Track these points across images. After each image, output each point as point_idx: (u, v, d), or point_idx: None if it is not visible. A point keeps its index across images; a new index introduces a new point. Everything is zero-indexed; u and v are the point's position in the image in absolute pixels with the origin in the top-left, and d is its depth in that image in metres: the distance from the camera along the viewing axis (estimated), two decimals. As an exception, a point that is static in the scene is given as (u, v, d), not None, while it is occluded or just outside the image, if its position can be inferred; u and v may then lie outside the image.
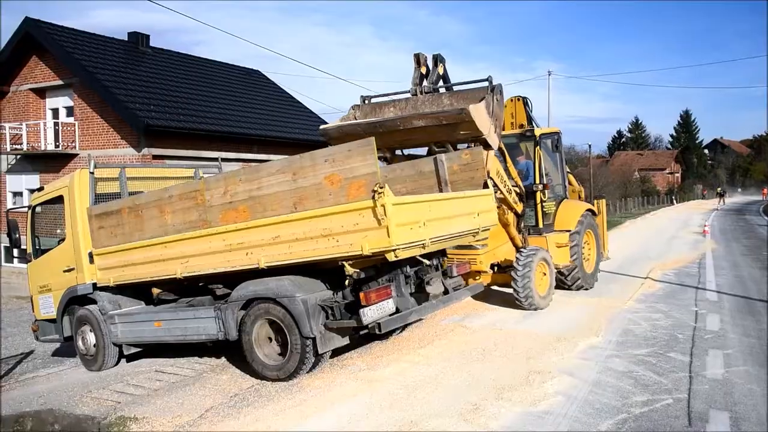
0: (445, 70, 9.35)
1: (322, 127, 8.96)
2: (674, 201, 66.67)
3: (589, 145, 54.06)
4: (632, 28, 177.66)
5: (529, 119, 12.00)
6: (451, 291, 7.66)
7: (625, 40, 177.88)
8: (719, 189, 66.12)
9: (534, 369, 6.78)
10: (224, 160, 13.51)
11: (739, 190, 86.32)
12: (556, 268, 10.79)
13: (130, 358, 8.64)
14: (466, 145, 8.68)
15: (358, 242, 5.90)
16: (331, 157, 6.05)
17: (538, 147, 11.13)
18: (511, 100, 12.31)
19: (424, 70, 9.26)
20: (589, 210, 12.14)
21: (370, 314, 6.17)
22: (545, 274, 10.11)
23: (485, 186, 8.07)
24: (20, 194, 23.83)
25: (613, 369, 6.87)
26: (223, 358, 8.14)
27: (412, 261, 6.88)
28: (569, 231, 11.21)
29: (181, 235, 7.18)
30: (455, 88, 9.33)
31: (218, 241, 6.88)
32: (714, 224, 30.75)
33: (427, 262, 6.98)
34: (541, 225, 11.09)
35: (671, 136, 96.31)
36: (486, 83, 8.73)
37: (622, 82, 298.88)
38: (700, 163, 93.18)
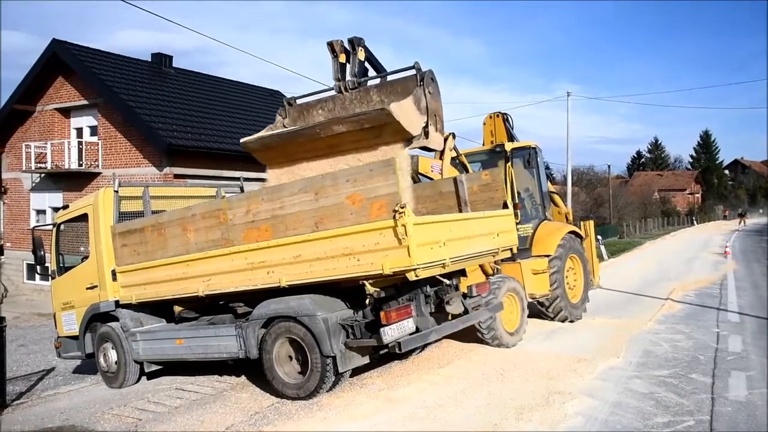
0: (368, 54, 7.76)
1: (242, 140, 7.88)
2: (694, 222, 66.02)
3: (609, 166, 53.92)
4: (651, 49, 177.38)
5: (510, 136, 11.55)
6: (471, 311, 7.66)
7: (643, 61, 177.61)
8: (740, 210, 65.38)
9: (554, 389, 6.74)
10: (245, 179, 13.69)
11: (761, 211, 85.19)
12: (533, 298, 10.00)
13: (151, 375, 8.71)
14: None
15: (379, 261, 5.95)
16: (353, 177, 6.12)
17: (509, 163, 10.46)
18: (490, 117, 11.96)
19: (343, 58, 7.75)
20: (573, 233, 11.12)
21: (390, 333, 6.20)
22: (515, 308, 9.12)
23: (505, 206, 8.10)
24: (44, 212, 24.25)
25: (634, 390, 6.81)
26: (243, 377, 8.18)
27: (432, 281, 6.90)
28: (548, 256, 10.26)
29: (204, 254, 7.27)
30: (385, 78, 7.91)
31: (240, 260, 6.96)
32: (735, 245, 30.39)
33: (447, 281, 7.00)
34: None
35: (691, 156, 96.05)
36: (413, 71, 7.33)
37: (641, 103, 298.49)
38: (720, 183, 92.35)
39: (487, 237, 7.43)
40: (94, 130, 22.85)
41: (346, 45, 7.68)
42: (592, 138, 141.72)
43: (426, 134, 7.15)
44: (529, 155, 10.99)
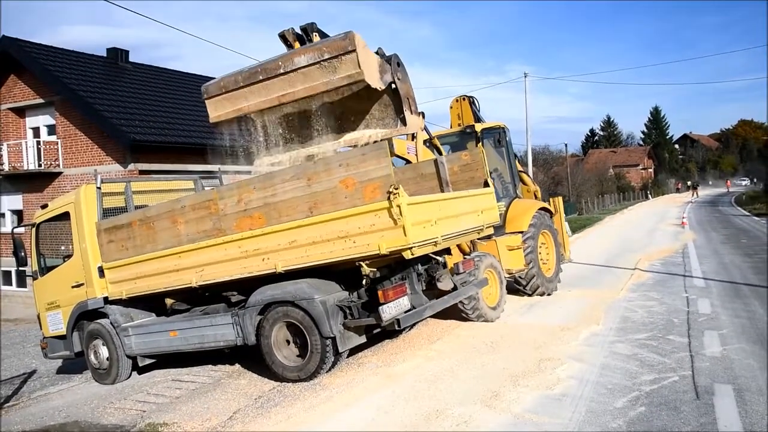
0: (324, 37, 7.22)
1: (203, 86, 7.66)
2: (649, 196, 68.01)
3: (566, 145, 55.22)
4: (601, 29, 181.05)
5: (477, 119, 11.83)
6: (460, 287, 7.92)
7: (593, 41, 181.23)
8: (690, 182, 67.60)
9: (544, 357, 7.07)
10: (209, 172, 13.65)
11: (710, 183, 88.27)
12: (510, 274, 10.29)
13: (143, 369, 8.73)
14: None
15: (375, 242, 6.13)
16: (346, 161, 6.28)
17: (481, 143, 10.67)
18: (457, 100, 12.25)
19: (297, 47, 7.30)
20: (543, 209, 11.50)
21: (388, 311, 6.40)
22: (494, 283, 9.39)
23: (486, 185, 8.37)
24: (2, 215, 23.62)
25: (618, 353, 7.19)
26: (237, 365, 8.29)
27: (423, 259, 7.13)
28: (521, 232, 10.56)
29: (196, 245, 7.34)
30: None
31: (234, 249, 7.05)
32: (690, 216, 31.55)
33: (440, 259, 7.24)
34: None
35: (642, 132, 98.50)
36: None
37: (594, 82, 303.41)
38: (671, 158, 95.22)
39: (473, 214, 7.69)
40: (52, 129, 22.30)
41: (299, 32, 7.50)
42: (546, 118, 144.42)
43: (404, 121, 7.14)
44: (499, 135, 11.33)
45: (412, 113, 7.24)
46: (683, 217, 28.78)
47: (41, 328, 9.50)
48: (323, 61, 6.47)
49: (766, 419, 5.03)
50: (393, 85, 6.85)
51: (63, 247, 9.28)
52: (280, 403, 6.19)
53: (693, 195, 59.25)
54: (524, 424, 5.24)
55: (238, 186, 7.07)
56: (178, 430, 5.94)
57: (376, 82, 6.53)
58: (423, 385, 6.36)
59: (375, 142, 6.95)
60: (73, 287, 8.71)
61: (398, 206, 5.95)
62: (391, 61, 6.90)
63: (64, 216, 8.85)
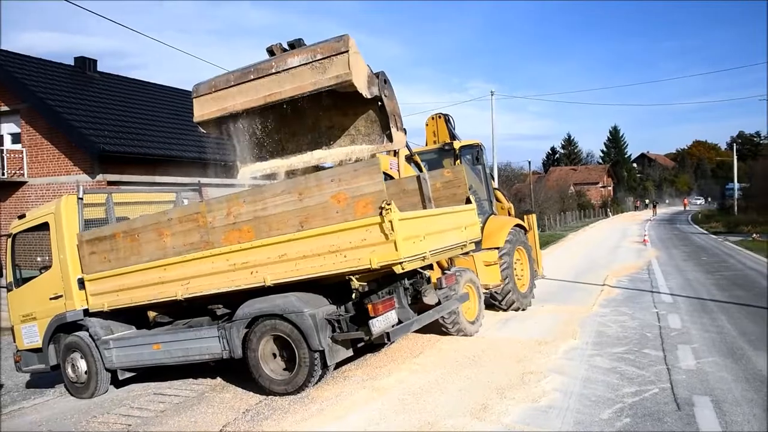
0: None
1: (194, 85, 7.59)
2: (609, 213, 69.53)
3: (529, 162, 56.14)
4: (562, 49, 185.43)
5: (452, 136, 12.06)
6: (443, 301, 8.06)
7: (555, 61, 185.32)
8: (648, 201, 69.49)
9: (526, 370, 7.24)
10: (184, 184, 13.57)
11: (667, 201, 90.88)
12: (487, 289, 10.43)
13: (120, 383, 8.59)
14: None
15: (366, 257, 6.23)
16: (337, 176, 6.38)
17: (459, 161, 10.94)
18: (432, 118, 12.50)
19: None
20: (518, 225, 11.73)
21: (378, 325, 6.50)
22: (473, 298, 9.52)
23: (468, 201, 8.55)
24: (-38, 225, 22.90)
25: (598, 366, 7.42)
26: (219, 378, 8.24)
27: (409, 274, 7.25)
28: (498, 248, 10.77)
29: (183, 257, 7.32)
30: None
31: (221, 262, 7.07)
32: (651, 234, 32.42)
33: (427, 273, 7.37)
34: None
35: (602, 151, 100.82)
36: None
37: (555, 101, 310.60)
38: (630, 176, 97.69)
39: (457, 230, 7.87)
40: (17, 138, 21.76)
41: (287, 47, 7.37)
42: (507, 135, 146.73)
43: (390, 138, 7.23)
44: (478, 153, 11.59)
45: (398, 129, 7.32)
46: (645, 235, 29.60)
47: (15, 341, 9.29)
48: (315, 61, 6.51)
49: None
50: (380, 102, 6.95)
51: (40, 258, 9.11)
52: (270, 417, 6.20)
53: (653, 213, 60.96)
54: (517, 435, 5.38)
55: (227, 199, 7.08)
56: (169, 444, 5.90)
57: (364, 89, 6.52)
58: (410, 398, 6.45)
59: (358, 159, 7.04)
60: (51, 299, 8.56)
61: (390, 221, 6.07)
62: (378, 77, 6.95)
63: (43, 226, 8.71)
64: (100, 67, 25.97)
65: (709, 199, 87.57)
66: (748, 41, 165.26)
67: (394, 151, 9.23)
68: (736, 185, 56.99)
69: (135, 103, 24.45)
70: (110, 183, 19.43)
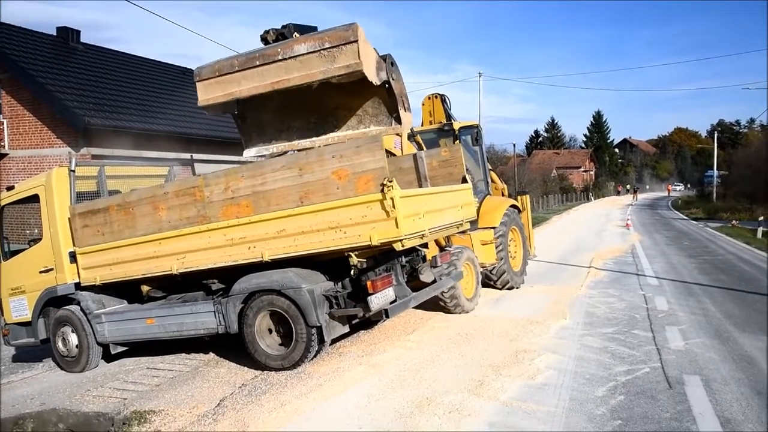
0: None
1: (196, 68, 7.50)
2: (591, 197, 70.15)
3: (514, 145, 56.39)
4: (548, 34, 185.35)
5: (448, 116, 12.14)
6: (438, 279, 8.11)
7: (540, 45, 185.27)
8: (629, 186, 70.21)
9: (519, 348, 7.33)
10: (175, 159, 13.41)
11: (647, 186, 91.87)
12: (483, 267, 10.61)
13: (111, 358, 8.56)
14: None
15: (366, 233, 6.24)
16: (339, 153, 6.35)
17: (458, 141, 11.04)
18: (429, 98, 12.54)
19: None
20: (513, 206, 11.93)
21: (376, 301, 6.52)
22: (471, 276, 9.75)
23: (464, 181, 8.58)
24: (-60, 197, 22.45)
25: (590, 346, 7.54)
26: (212, 353, 8.24)
27: (406, 251, 7.27)
28: (494, 228, 10.92)
29: (178, 231, 7.27)
30: None
31: (218, 236, 7.03)
32: (633, 218, 32.81)
33: (425, 251, 7.40)
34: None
35: (585, 135, 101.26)
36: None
37: (539, 84, 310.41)
38: (611, 161, 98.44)
39: (454, 209, 7.90)
40: (-3, 109, 21.33)
41: (282, 31, 7.33)
42: (491, 118, 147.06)
43: (398, 119, 7.33)
44: (476, 134, 11.74)
45: (405, 111, 7.40)
46: (627, 219, 29.95)
47: (2, 314, 9.18)
48: (323, 50, 6.52)
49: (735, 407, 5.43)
50: (387, 84, 6.98)
51: (29, 231, 8.99)
52: (268, 391, 6.21)
53: (634, 198, 61.61)
54: (515, 411, 5.46)
55: (225, 173, 7.03)
56: (167, 418, 5.90)
57: (373, 77, 6.62)
58: (407, 374, 6.51)
59: None
60: (40, 272, 8.46)
61: (392, 198, 6.07)
62: (385, 60, 7.02)
63: (33, 198, 8.58)
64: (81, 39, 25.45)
65: (689, 186, 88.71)
66: (730, 30, 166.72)
67: None
68: (716, 173, 57.73)
69: (120, 76, 24.01)
70: (95, 156, 19.09)
